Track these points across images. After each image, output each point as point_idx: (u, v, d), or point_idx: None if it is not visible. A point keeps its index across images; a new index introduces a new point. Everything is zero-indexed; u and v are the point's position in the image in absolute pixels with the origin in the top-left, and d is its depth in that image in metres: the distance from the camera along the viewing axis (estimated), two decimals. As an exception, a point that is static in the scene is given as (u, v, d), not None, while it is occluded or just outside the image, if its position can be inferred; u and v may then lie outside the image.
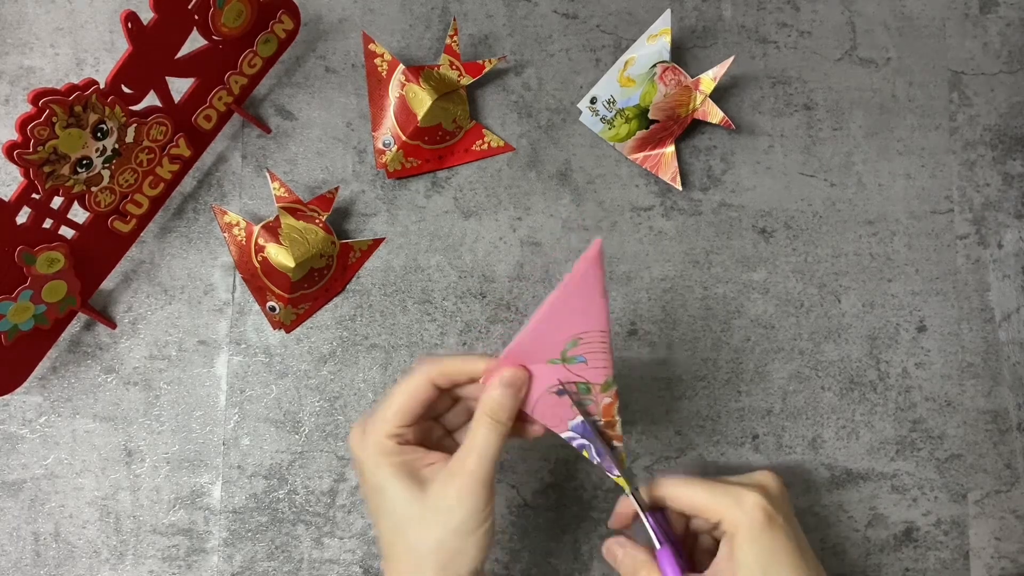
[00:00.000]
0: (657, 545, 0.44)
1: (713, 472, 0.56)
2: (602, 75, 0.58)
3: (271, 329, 0.57)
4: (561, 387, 0.43)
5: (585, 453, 0.44)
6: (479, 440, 0.41)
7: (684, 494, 0.44)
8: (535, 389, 0.43)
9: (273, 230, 0.54)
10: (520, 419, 0.44)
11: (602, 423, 0.44)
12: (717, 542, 0.45)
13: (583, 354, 0.42)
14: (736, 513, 0.42)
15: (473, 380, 0.44)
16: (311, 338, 0.57)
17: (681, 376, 0.57)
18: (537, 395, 0.43)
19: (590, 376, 0.43)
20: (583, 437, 0.44)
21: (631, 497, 0.45)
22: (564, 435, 0.44)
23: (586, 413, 0.44)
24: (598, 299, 0.41)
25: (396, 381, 0.55)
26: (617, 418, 0.44)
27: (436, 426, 0.46)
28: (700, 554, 0.47)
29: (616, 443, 0.45)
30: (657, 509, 0.45)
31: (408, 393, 0.42)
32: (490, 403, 0.42)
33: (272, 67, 0.57)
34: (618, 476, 0.44)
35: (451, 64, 0.57)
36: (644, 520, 0.44)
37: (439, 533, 0.41)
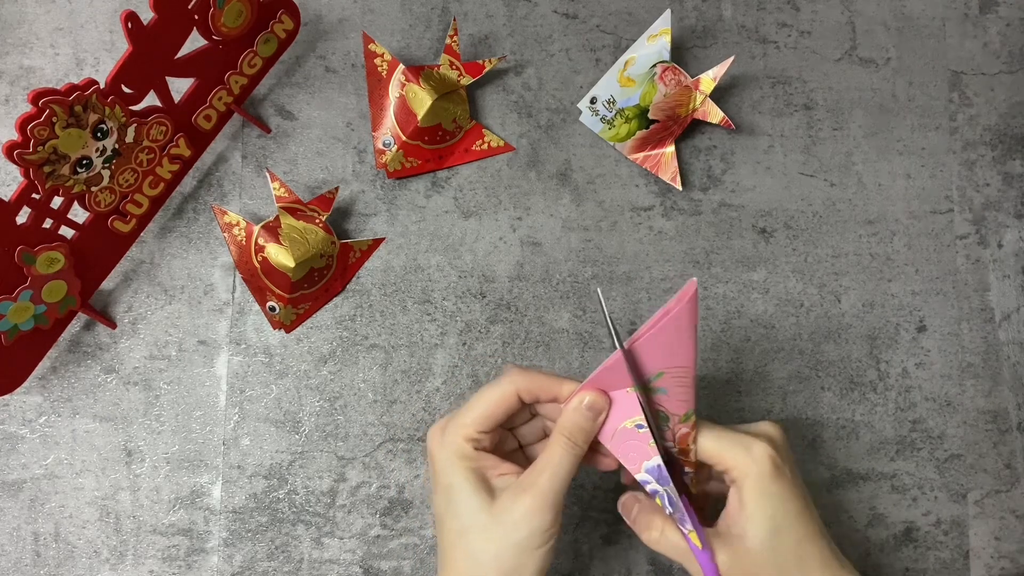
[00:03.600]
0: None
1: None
2: (602, 75, 0.58)
3: (271, 329, 0.57)
4: (641, 407, 0.42)
5: (658, 500, 0.42)
6: (554, 459, 0.42)
7: (699, 443, 0.44)
8: (614, 418, 0.43)
9: (273, 230, 0.54)
10: (595, 449, 0.44)
11: (676, 450, 0.44)
12: (721, 495, 0.45)
13: (666, 386, 0.42)
14: (746, 462, 0.42)
15: (555, 400, 0.44)
16: (311, 338, 0.57)
17: (681, 376, 0.57)
18: (615, 426, 0.43)
19: (670, 407, 0.42)
20: (658, 483, 0.42)
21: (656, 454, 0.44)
22: (638, 476, 0.43)
23: (661, 438, 0.43)
24: (688, 338, 0.41)
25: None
26: (692, 447, 0.43)
27: (510, 438, 0.46)
28: (709, 505, 0.47)
29: (688, 469, 0.44)
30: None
31: (493, 400, 0.43)
32: (569, 424, 0.42)
33: (272, 67, 0.57)
34: (690, 531, 0.42)
35: (451, 64, 0.57)
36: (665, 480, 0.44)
37: (501, 545, 0.41)
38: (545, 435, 0.47)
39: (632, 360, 0.41)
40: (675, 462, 0.45)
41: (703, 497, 0.47)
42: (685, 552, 0.43)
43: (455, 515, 0.42)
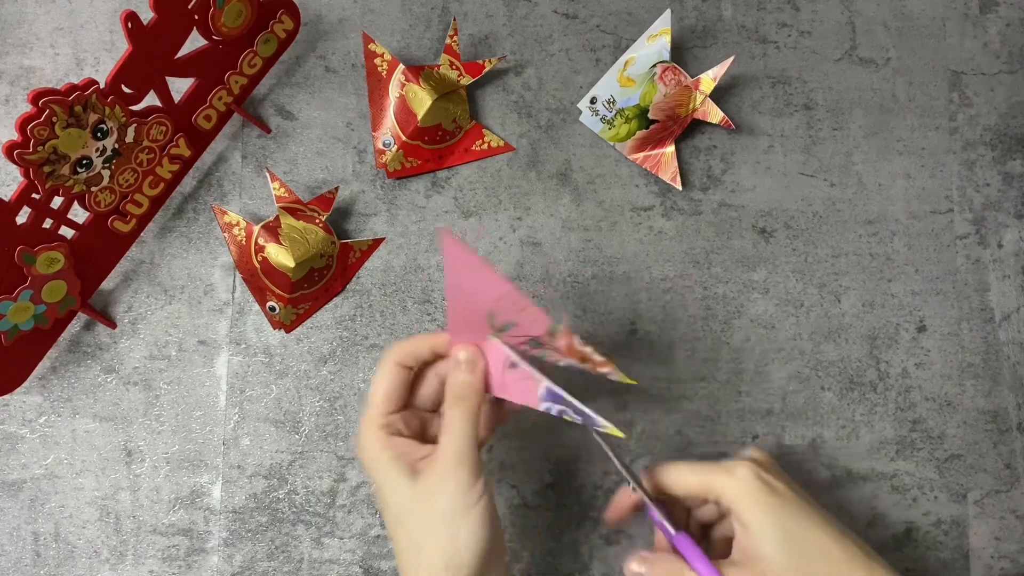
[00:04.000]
0: (672, 532, 0.43)
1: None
2: (602, 75, 0.58)
3: (271, 329, 0.57)
4: (506, 347, 0.43)
5: (567, 418, 0.43)
6: (448, 421, 0.42)
7: (676, 479, 0.44)
8: (493, 369, 0.44)
9: (273, 230, 0.54)
10: (496, 404, 0.45)
11: (578, 364, 0.44)
12: (728, 538, 0.45)
13: (507, 321, 0.42)
14: (733, 484, 0.42)
15: (438, 355, 0.44)
16: (311, 338, 0.57)
17: (681, 376, 0.57)
18: (498, 374, 0.44)
19: (531, 331, 0.43)
20: (556, 403, 0.43)
21: (638, 490, 0.44)
22: (541, 408, 0.43)
23: (548, 362, 0.43)
24: (480, 277, 0.41)
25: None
26: (586, 348, 0.43)
27: (435, 419, 0.46)
28: (718, 544, 0.47)
29: (603, 370, 0.44)
30: (658, 501, 0.45)
31: (381, 379, 0.43)
32: (453, 386, 0.43)
33: (272, 67, 0.57)
34: (606, 427, 0.42)
35: (451, 64, 0.57)
36: (651, 509, 0.44)
37: (430, 519, 0.41)
38: None
39: (459, 315, 0.43)
40: (587, 373, 0.44)
41: (697, 533, 0.47)
42: None
43: (388, 505, 0.42)
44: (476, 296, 0.42)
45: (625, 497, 0.46)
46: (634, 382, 0.43)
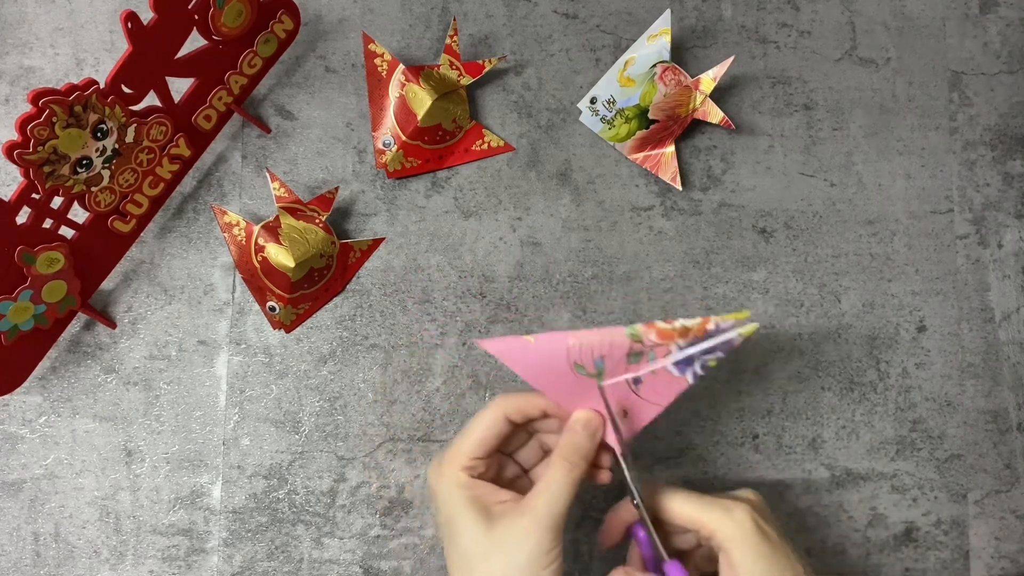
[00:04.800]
0: (665, 557, 0.44)
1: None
2: (602, 75, 0.58)
3: (271, 329, 0.57)
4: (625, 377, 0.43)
5: (712, 363, 0.42)
6: (552, 481, 0.42)
7: (673, 507, 0.45)
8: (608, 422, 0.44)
9: (273, 230, 0.54)
10: (595, 465, 0.45)
11: (686, 343, 0.43)
12: (708, 559, 0.45)
13: (595, 360, 0.43)
14: (728, 525, 0.43)
15: (545, 415, 0.45)
16: (311, 338, 0.57)
17: (681, 376, 0.57)
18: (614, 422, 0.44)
19: (619, 350, 0.43)
20: (690, 364, 0.42)
21: (640, 507, 0.44)
22: (689, 381, 0.43)
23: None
24: (535, 348, 0.42)
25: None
26: (676, 324, 0.42)
27: (512, 464, 0.47)
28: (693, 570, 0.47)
29: (712, 327, 0.42)
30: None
31: (483, 426, 0.43)
32: (565, 445, 0.43)
33: (272, 67, 0.57)
34: (743, 331, 0.41)
35: (451, 64, 0.57)
36: (647, 531, 0.44)
37: (502, 570, 0.41)
38: (544, 455, 0.47)
39: (564, 394, 0.44)
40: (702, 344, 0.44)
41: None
42: None
43: (456, 544, 0.42)
44: (551, 366, 0.42)
45: (618, 521, 0.47)
46: (747, 314, 0.42)
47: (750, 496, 0.46)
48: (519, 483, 0.47)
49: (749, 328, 0.41)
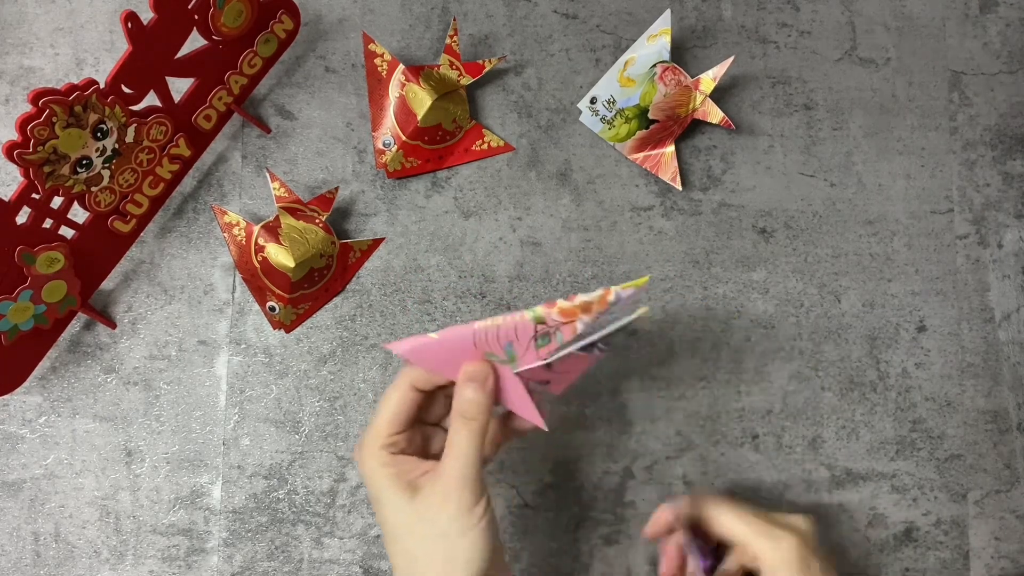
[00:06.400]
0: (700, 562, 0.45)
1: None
2: (602, 75, 0.58)
3: (271, 329, 0.57)
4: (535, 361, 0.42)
5: (605, 338, 0.42)
6: (453, 441, 0.42)
7: (723, 523, 0.46)
8: (508, 384, 0.43)
9: (273, 230, 0.54)
10: (504, 421, 0.45)
11: (590, 319, 0.42)
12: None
13: (503, 346, 0.42)
14: (776, 555, 0.44)
15: (453, 381, 0.44)
16: (311, 338, 0.57)
17: (681, 376, 0.57)
18: (516, 388, 0.43)
19: (525, 333, 0.42)
20: (593, 346, 0.42)
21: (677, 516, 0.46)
22: (597, 356, 0.43)
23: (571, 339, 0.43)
24: (441, 345, 0.42)
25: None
26: (576, 300, 0.41)
27: (438, 433, 0.46)
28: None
29: (612, 298, 0.41)
30: (691, 528, 0.46)
31: (393, 401, 0.43)
32: (459, 403, 0.42)
33: (272, 67, 0.57)
34: (636, 314, 0.42)
35: (451, 64, 0.57)
36: (689, 542, 0.46)
37: (428, 538, 0.41)
38: None
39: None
40: (604, 322, 0.44)
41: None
42: None
43: (385, 522, 0.42)
44: (461, 358, 0.42)
45: (665, 515, 0.48)
46: (646, 279, 0.41)
47: (801, 526, 0.47)
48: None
49: (641, 312, 0.42)
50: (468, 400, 0.42)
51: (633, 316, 0.42)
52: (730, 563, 0.48)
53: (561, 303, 0.41)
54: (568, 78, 0.59)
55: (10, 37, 0.58)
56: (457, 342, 0.42)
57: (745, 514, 0.46)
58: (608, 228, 0.58)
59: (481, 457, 0.42)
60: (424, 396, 0.44)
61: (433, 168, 0.58)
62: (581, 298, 0.41)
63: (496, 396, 0.43)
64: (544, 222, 0.58)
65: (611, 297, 0.41)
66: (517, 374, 0.43)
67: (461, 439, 0.42)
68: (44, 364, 0.55)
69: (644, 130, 0.57)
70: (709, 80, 0.54)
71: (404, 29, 0.59)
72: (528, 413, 0.44)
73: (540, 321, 0.41)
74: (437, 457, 0.44)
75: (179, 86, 0.51)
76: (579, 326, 0.41)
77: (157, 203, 0.55)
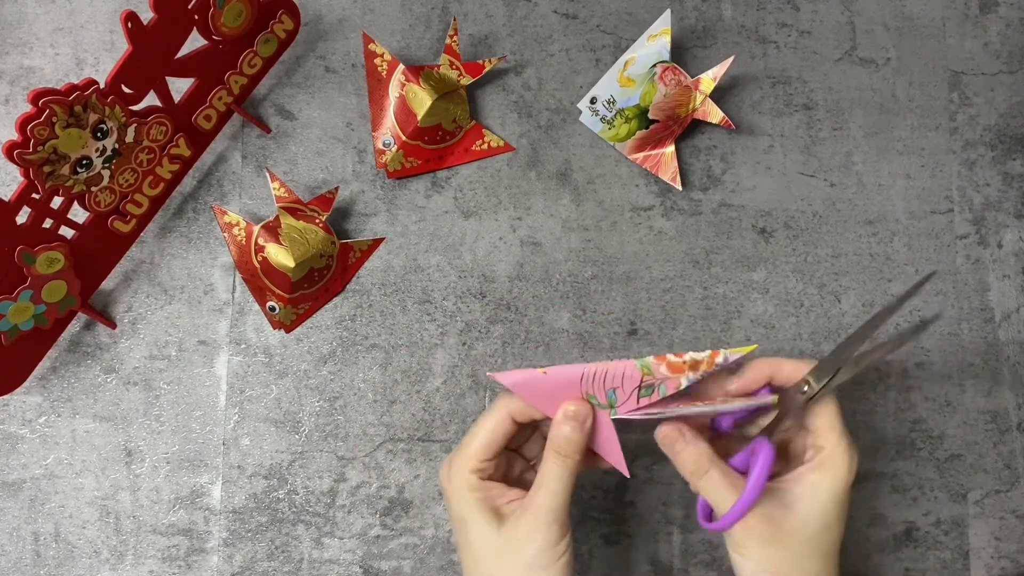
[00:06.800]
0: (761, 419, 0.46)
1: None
2: (602, 75, 0.58)
3: (271, 329, 0.57)
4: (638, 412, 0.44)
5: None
6: (546, 476, 0.43)
7: (826, 415, 0.45)
8: (603, 427, 0.44)
9: (273, 230, 0.54)
10: (588, 456, 0.45)
11: (696, 376, 0.43)
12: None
13: (607, 392, 0.43)
14: (842, 463, 0.43)
15: (549, 416, 0.45)
16: (311, 338, 0.57)
17: (681, 376, 0.57)
18: (608, 433, 0.44)
19: (631, 383, 0.43)
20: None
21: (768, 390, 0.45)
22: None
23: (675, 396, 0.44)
24: (548, 380, 0.43)
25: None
26: (686, 357, 0.43)
27: (518, 459, 0.47)
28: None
29: (720, 359, 0.43)
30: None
31: (489, 428, 0.44)
32: (555, 438, 0.43)
33: (272, 67, 0.57)
34: (774, 398, 0.44)
35: (451, 64, 0.57)
36: (759, 398, 0.45)
37: (513, 568, 0.42)
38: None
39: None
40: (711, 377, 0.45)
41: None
42: (721, 486, 0.43)
43: (468, 545, 0.43)
44: (564, 397, 0.43)
45: (759, 372, 0.46)
46: (754, 347, 0.43)
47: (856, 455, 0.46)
48: (526, 476, 0.48)
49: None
50: (566, 437, 0.43)
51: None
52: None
53: (670, 357, 0.43)
54: (568, 78, 0.59)
55: (10, 37, 0.58)
56: (563, 381, 0.43)
57: (838, 412, 0.45)
58: (608, 228, 0.58)
59: (571, 494, 0.43)
60: (517, 428, 0.45)
61: (433, 168, 0.58)
62: (691, 355, 0.43)
63: (594, 439, 0.44)
64: (544, 222, 0.58)
65: (719, 359, 0.43)
66: (614, 420, 0.44)
67: (554, 474, 0.43)
68: (44, 364, 0.55)
69: (644, 130, 0.57)
70: (709, 80, 0.54)
71: (404, 29, 0.59)
72: (615, 459, 0.45)
73: (648, 372, 0.43)
74: (517, 483, 0.45)
75: (179, 86, 0.51)
76: (683, 382, 0.43)
77: (157, 203, 0.55)
